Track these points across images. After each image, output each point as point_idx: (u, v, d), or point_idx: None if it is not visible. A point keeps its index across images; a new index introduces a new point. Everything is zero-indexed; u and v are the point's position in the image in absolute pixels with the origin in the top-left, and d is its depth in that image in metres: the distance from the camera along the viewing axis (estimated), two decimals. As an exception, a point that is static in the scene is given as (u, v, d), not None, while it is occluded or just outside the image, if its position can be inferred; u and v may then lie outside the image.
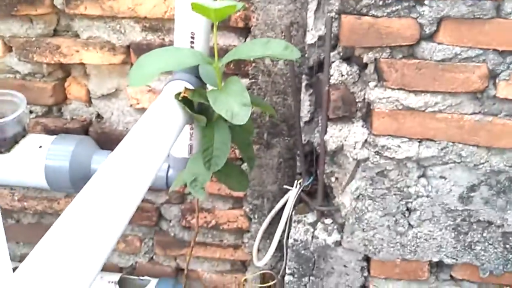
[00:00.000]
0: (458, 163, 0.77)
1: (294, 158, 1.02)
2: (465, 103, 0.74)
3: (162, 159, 0.63)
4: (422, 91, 0.74)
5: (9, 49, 1.01)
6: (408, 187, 0.80)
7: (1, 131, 0.89)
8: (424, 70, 0.72)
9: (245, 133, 0.77)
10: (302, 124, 0.94)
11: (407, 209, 0.81)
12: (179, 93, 0.70)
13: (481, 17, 0.69)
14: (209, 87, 0.79)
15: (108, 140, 1.06)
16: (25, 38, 0.99)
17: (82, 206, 0.45)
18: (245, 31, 0.95)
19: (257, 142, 1.02)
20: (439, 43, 0.71)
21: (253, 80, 0.98)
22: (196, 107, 0.74)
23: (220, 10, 0.61)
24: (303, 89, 0.93)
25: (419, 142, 0.77)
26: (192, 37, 0.78)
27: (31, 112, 1.06)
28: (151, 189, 0.90)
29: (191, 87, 0.76)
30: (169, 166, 0.93)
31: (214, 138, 0.73)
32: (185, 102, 0.71)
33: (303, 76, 0.92)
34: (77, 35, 0.99)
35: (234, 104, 0.66)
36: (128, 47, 0.98)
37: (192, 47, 0.78)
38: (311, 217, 0.92)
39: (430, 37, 0.71)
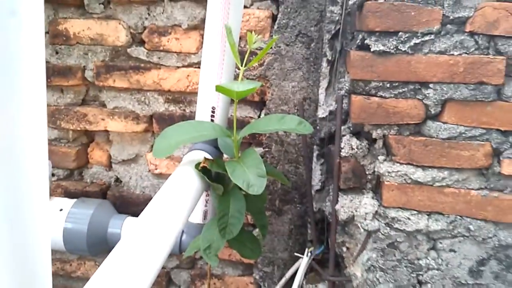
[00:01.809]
0: (467, 236, 0.79)
1: (305, 225, 1.04)
2: (471, 179, 0.78)
3: (182, 225, 0.66)
4: (429, 167, 0.78)
5: (39, 115, 1.08)
6: (418, 259, 0.81)
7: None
8: (431, 147, 0.77)
9: (259, 201, 0.81)
10: (313, 192, 0.98)
11: (418, 281, 0.82)
12: (199, 163, 0.75)
13: (483, 100, 0.74)
14: (225, 156, 0.84)
15: (125, 203, 1.09)
16: (55, 106, 1.07)
17: (110, 270, 0.48)
18: (260, 104, 1.02)
19: (269, 208, 1.05)
20: (444, 122, 0.76)
21: (266, 149, 1.03)
22: (213, 175, 0.78)
23: (241, 93, 0.67)
24: (314, 159, 0.97)
25: (428, 215, 0.79)
26: (213, 111, 0.84)
27: (53, 175, 1.11)
28: (165, 254, 0.92)
29: (209, 157, 0.81)
30: (183, 231, 0.95)
31: (230, 207, 0.76)
32: (204, 171, 0.75)
33: (315, 147, 0.97)
34: (103, 105, 1.07)
35: (250, 176, 0.70)
36: (151, 116, 1.05)
37: (212, 120, 0.84)
38: (322, 287, 0.92)
39: (436, 117, 0.76)
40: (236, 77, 0.86)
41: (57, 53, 1.05)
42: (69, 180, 1.12)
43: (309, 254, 0.96)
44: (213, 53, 0.81)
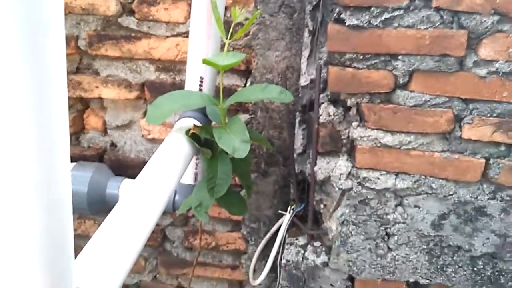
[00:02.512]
0: (430, 194, 0.88)
1: (288, 186, 1.13)
2: (435, 142, 0.86)
3: (174, 186, 0.74)
4: (397, 131, 0.85)
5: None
6: (387, 214, 0.90)
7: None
8: (399, 114, 0.84)
9: (244, 164, 0.89)
10: (295, 155, 1.06)
11: (386, 234, 0.92)
12: (189, 130, 0.82)
13: (446, 70, 0.81)
14: (214, 122, 0.91)
15: (121, 166, 1.17)
16: (51, 74, 1.12)
17: (112, 226, 0.57)
18: (246, 73, 1.08)
19: (255, 170, 1.13)
20: (411, 91, 0.83)
21: (252, 116, 1.10)
22: (202, 140, 0.85)
23: (226, 66, 0.73)
24: (296, 125, 1.05)
25: (396, 175, 0.88)
26: (201, 81, 0.90)
27: (52, 140, 1.18)
28: (160, 212, 1.00)
29: (198, 123, 0.88)
30: (175, 192, 1.03)
31: (217, 169, 0.84)
32: (193, 137, 0.83)
33: (297, 113, 1.04)
34: (97, 73, 1.12)
35: (236, 141, 0.78)
36: (142, 84, 1.10)
37: (200, 89, 0.91)
38: (302, 240, 1.02)
39: (404, 86, 0.84)
40: (222, 47, 0.92)
41: (50, 23, 1.08)
42: (67, 145, 1.19)
43: (291, 211, 1.05)
44: (199, 25, 0.86)
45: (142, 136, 1.16)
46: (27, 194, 0.31)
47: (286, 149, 1.10)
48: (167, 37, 1.06)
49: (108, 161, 1.17)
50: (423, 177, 0.87)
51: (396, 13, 0.78)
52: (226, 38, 0.79)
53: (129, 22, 1.06)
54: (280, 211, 1.11)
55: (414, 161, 0.87)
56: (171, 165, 0.75)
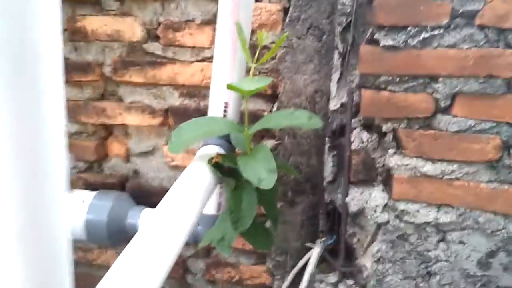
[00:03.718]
0: (476, 229, 0.79)
1: (317, 216, 1.06)
2: (481, 172, 0.78)
3: (196, 218, 0.69)
4: (439, 160, 0.78)
5: (60, 110, 1.12)
6: (428, 251, 0.82)
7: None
8: (441, 140, 0.77)
9: (270, 194, 0.83)
10: (325, 184, 0.99)
11: (427, 273, 0.83)
12: (212, 158, 0.78)
13: (493, 93, 0.74)
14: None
15: (143, 194, 1.13)
16: (75, 101, 1.10)
17: (129, 259, 0.52)
18: (273, 97, 1.04)
19: (281, 199, 1.07)
20: (454, 116, 0.76)
21: (279, 142, 1.05)
22: (226, 169, 0.80)
23: (251, 91, 0.68)
24: (326, 151, 0.99)
25: (438, 207, 0.80)
26: (226, 106, 0.86)
27: (74, 167, 1.16)
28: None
29: (222, 151, 0.84)
30: (199, 222, 0.98)
31: (242, 200, 0.78)
32: (216, 165, 0.78)
33: (327, 139, 0.98)
34: (121, 99, 1.10)
35: (261, 171, 0.72)
36: (166, 110, 1.07)
37: (225, 115, 0.87)
38: (333, 277, 0.94)
39: (445, 110, 0.77)
40: (248, 71, 0.88)
41: (76, 49, 1.08)
42: (90, 172, 1.16)
43: (321, 244, 0.98)
44: (224, 50, 0.82)
45: (165, 163, 1.12)
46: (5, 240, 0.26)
47: (315, 177, 1.04)
48: (192, 62, 1.03)
49: (130, 189, 1.14)
50: (468, 210, 0.79)
51: (436, 32, 0.72)
52: (252, 62, 0.75)
53: (154, 48, 1.04)
54: (308, 244, 1.03)
55: (458, 193, 0.79)
56: (192, 196, 0.70)
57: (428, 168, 0.79)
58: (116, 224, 1.00)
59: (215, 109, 0.86)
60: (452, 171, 0.78)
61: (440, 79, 0.75)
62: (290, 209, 1.08)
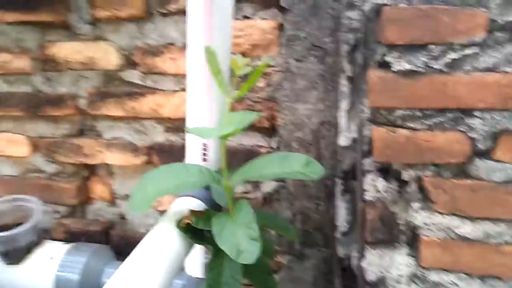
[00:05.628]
0: (536, 309, 0.59)
1: (332, 272, 0.87)
2: (538, 233, 0.58)
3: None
4: (480, 218, 0.59)
5: (35, 149, 1.00)
6: (469, 335, 0.62)
7: (13, 241, 0.84)
8: (481, 193, 0.58)
9: (260, 266, 0.65)
10: (339, 235, 0.81)
11: None
12: (181, 219, 0.61)
13: (551, 128, 0.54)
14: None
15: (128, 244, 0.98)
16: (51, 138, 0.98)
17: None
18: (271, 131, 0.87)
19: (288, 252, 0.89)
20: (497, 161, 0.57)
21: (281, 183, 0.87)
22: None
23: (225, 136, 0.52)
24: (338, 195, 0.81)
25: (481, 279, 0.61)
26: (204, 149, 0.70)
27: (56, 212, 1.03)
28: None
29: (201, 206, 0.67)
30: (184, 285, 0.82)
31: (222, 273, 0.61)
32: (188, 228, 0.62)
33: (338, 180, 0.80)
34: (99, 135, 0.96)
35: (241, 238, 0.55)
36: (150, 147, 0.93)
37: (205, 158, 0.70)
38: None
39: (486, 154, 0.58)
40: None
41: (48, 80, 0.95)
42: (72, 217, 1.03)
43: (335, 309, 0.80)
44: (197, 81, 0.66)
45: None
46: None
47: (326, 226, 0.86)
48: (176, 91, 0.88)
49: (115, 237, 1.00)
50: (523, 284, 0.59)
51: (468, 51, 0.53)
52: (228, 96, 0.58)
53: (132, 76, 0.90)
54: (321, 306, 0.85)
55: (507, 261, 0.59)
56: (151, 271, 0.54)
57: (467, 229, 0.59)
58: (90, 283, 0.86)
59: (191, 152, 0.70)
60: (499, 234, 0.59)
61: (477, 113, 0.55)
62: (299, 264, 0.90)
